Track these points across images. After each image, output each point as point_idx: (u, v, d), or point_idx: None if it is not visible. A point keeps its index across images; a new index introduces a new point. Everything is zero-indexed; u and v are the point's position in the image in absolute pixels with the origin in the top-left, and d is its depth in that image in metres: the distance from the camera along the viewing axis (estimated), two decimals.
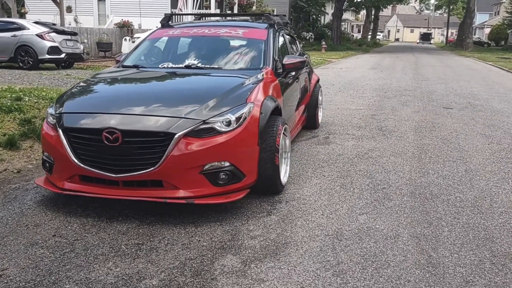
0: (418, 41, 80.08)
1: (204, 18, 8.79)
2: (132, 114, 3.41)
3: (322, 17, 49.34)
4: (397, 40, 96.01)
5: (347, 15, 59.34)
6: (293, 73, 5.10)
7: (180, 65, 4.53)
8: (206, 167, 3.38)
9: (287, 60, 4.66)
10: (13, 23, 13.87)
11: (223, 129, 3.43)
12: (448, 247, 3.09)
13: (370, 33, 60.60)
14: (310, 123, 6.45)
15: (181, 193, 3.36)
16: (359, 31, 70.86)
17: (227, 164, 3.44)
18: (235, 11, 27.02)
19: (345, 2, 42.23)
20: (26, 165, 4.74)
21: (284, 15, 5.84)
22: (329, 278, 2.69)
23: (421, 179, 4.49)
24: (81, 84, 4.21)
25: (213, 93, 3.69)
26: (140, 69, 4.55)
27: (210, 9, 23.73)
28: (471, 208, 3.76)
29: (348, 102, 9.35)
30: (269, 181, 3.79)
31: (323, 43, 33.45)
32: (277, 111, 4.10)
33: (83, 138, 3.41)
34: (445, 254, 2.99)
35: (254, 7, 29.97)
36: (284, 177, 4.10)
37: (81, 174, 3.48)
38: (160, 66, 4.60)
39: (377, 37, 67.40)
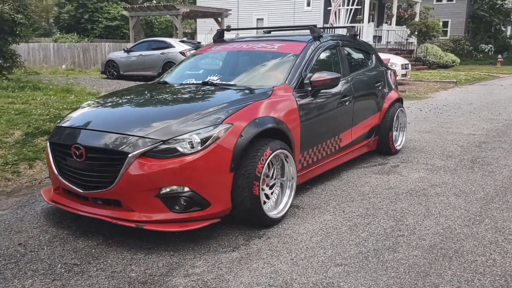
0: None
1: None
2: (98, 131, 3.36)
3: (509, 27, 43.69)
4: None
5: None
6: (333, 91, 4.47)
7: (199, 82, 4.36)
8: (164, 191, 3.14)
9: (315, 77, 4.10)
10: (164, 42, 15.49)
11: (186, 151, 3.14)
12: None
13: None
14: (381, 147, 5.59)
15: (136, 215, 3.18)
16: None
17: (186, 189, 3.14)
18: (393, 24, 25.64)
19: None
20: None
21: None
22: None
23: (463, 229, 3.47)
24: (95, 99, 4.35)
25: (191, 111, 3.43)
26: (163, 85, 4.51)
27: (362, 22, 22.95)
28: (491, 278, 2.74)
29: (466, 126, 7.93)
30: (247, 212, 3.35)
31: (499, 56, 29.58)
32: (276, 133, 3.63)
33: (60, 152, 3.50)
34: None
35: (416, 18, 28.00)
36: (278, 209, 3.60)
37: (63, 187, 3.57)
38: (183, 82, 4.50)
39: None
